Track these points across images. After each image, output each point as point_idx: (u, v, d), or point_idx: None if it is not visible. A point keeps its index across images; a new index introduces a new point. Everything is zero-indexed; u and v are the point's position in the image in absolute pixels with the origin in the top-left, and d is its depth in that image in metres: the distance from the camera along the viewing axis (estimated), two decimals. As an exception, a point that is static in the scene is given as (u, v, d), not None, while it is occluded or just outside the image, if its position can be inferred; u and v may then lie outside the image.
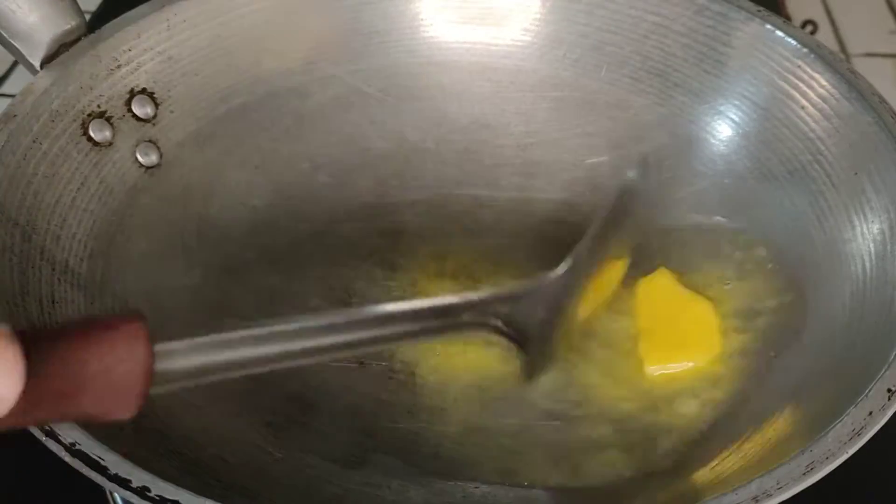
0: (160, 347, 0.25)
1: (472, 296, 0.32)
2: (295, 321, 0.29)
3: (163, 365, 0.25)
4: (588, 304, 0.38)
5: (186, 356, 0.26)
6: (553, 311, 0.34)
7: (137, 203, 0.43)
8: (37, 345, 0.22)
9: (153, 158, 0.44)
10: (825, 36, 0.43)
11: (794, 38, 0.44)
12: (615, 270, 0.41)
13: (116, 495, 0.41)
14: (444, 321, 0.32)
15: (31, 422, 0.24)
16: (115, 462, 0.28)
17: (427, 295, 0.44)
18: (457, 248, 0.47)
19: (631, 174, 0.37)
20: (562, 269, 0.34)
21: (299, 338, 0.29)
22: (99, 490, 0.41)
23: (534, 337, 0.34)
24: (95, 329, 0.24)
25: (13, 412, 0.22)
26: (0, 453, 0.43)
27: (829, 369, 0.35)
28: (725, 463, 0.33)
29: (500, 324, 0.33)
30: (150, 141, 0.44)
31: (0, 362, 0.21)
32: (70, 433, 0.28)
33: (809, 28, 0.62)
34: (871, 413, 0.30)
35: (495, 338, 0.33)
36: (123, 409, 0.25)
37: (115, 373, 0.24)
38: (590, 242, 0.36)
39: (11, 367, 0.21)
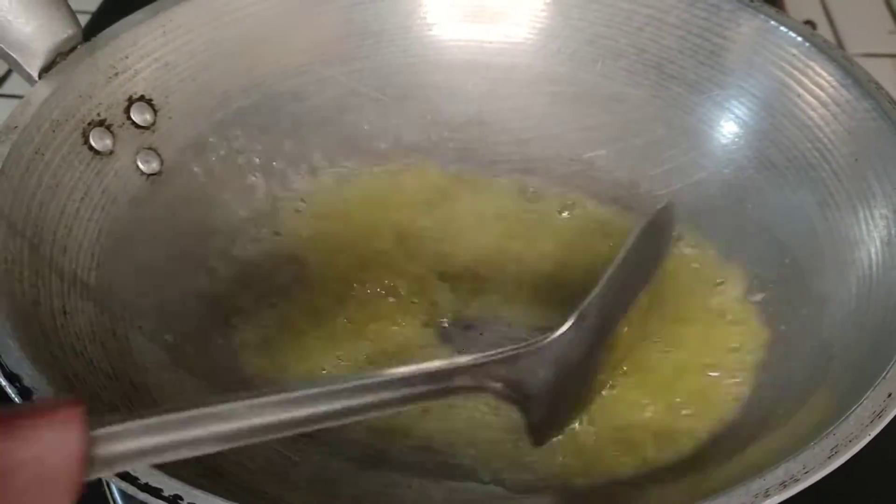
0: (101, 432, 0.23)
1: (465, 360, 0.31)
2: (264, 394, 0.27)
3: (105, 450, 0.24)
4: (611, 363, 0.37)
5: (135, 437, 0.24)
6: (558, 370, 0.33)
7: (141, 211, 0.43)
8: None
9: (154, 166, 0.44)
10: (824, 36, 0.44)
11: (789, 28, 0.44)
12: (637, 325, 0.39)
13: (116, 494, 0.41)
14: (438, 386, 0.30)
15: None
16: (144, 471, 0.28)
17: (432, 294, 0.44)
18: (458, 248, 0.47)
19: (642, 224, 0.37)
20: (565, 327, 0.33)
21: (271, 411, 0.27)
22: (99, 490, 0.41)
23: (537, 399, 0.33)
24: (25, 416, 0.22)
25: None
26: None
27: (841, 354, 0.36)
28: (750, 454, 0.34)
29: (498, 386, 0.32)
30: (150, 148, 0.44)
31: None
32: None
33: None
34: (890, 395, 0.30)
35: (496, 400, 0.32)
36: (57, 501, 0.23)
37: (46, 464, 0.22)
38: (602, 294, 0.34)
39: None
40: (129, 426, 0.24)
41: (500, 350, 0.32)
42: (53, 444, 0.22)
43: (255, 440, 0.27)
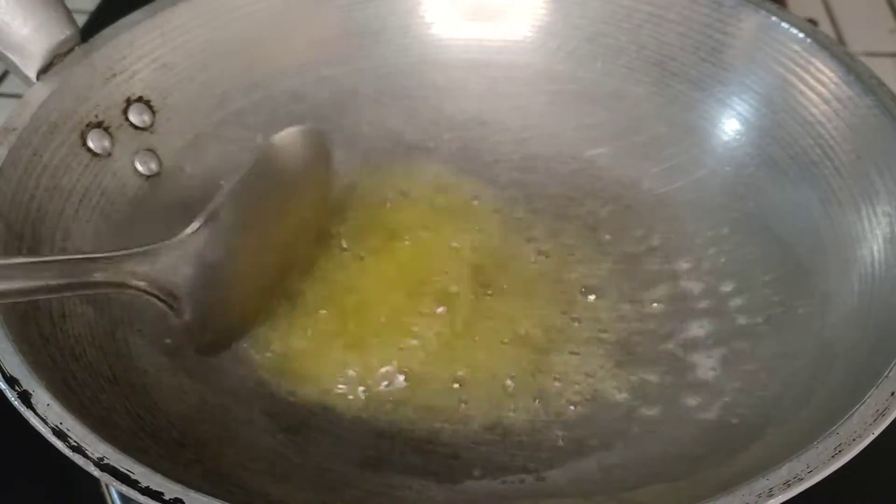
0: None
1: (102, 254, 0.32)
2: None
3: None
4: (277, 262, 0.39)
5: None
6: (202, 267, 0.34)
7: (139, 212, 0.42)
8: None
9: (152, 167, 0.44)
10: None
11: (791, 24, 0.44)
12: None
13: (114, 493, 0.41)
14: (73, 279, 0.31)
15: None
16: (145, 475, 0.28)
17: (432, 293, 0.44)
18: (459, 246, 0.47)
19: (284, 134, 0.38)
20: (196, 223, 0.34)
21: None
22: (98, 492, 0.41)
23: (184, 297, 0.33)
24: None
25: None
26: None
27: (844, 353, 0.36)
28: (753, 453, 0.33)
29: (142, 284, 0.33)
30: (148, 149, 0.44)
31: None
32: (98, 447, 0.28)
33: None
34: (893, 393, 0.30)
35: (145, 298, 0.33)
36: None
37: None
38: (227, 194, 0.36)
39: None
40: None
41: (135, 248, 0.33)
42: None
43: None
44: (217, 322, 0.36)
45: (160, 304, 0.34)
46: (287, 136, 0.40)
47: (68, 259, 0.31)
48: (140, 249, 0.33)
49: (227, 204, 0.36)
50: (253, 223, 0.37)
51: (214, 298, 0.35)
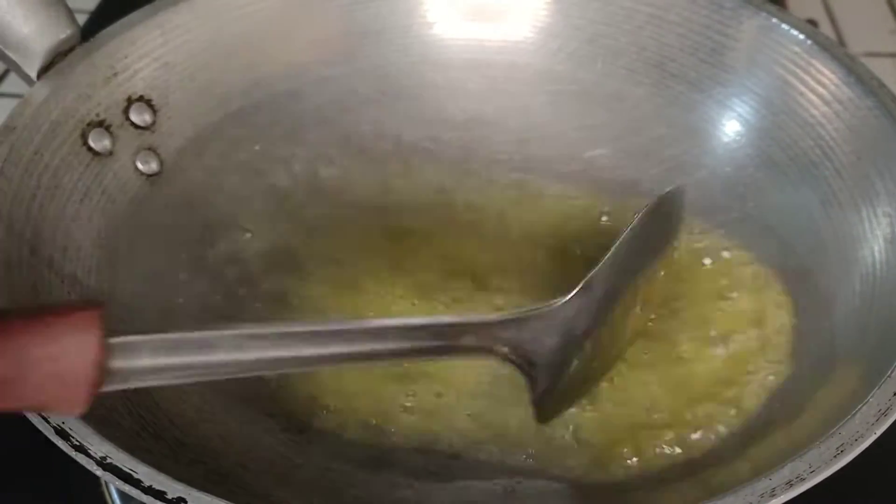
0: (118, 341, 0.24)
1: (474, 317, 0.31)
2: (277, 326, 0.27)
3: (121, 361, 0.24)
4: (623, 337, 0.37)
5: (150, 353, 0.24)
6: (564, 339, 0.33)
7: (140, 212, 0.42)
8: None
9: (153, 166, 0.44)
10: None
11: (791, 25, 0.44)
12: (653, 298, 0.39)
13: (114, 493, 0.41)
14: (442, 342, 0.30)
15: None
16: (148, 474, 0.27)
17: (434, 294, 0.44)
18: (460, 246, 0.47)
19: (661, 195, 0.37)
20: (572, 294, 0.33)
21: (279, 345, 0.27)
22: (97, 491, 0.41)
23: (542, 367, 0.32)
24: (44, 316, 0.23)
25: None
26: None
27: (845, 353, 0.36)
28: (755, 453, 0.33)
29: (505, 350, 0.32)
30: (149, 149, 0.44)
31: None
32: (101, 447, 0.28)
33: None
34: (895, 393, 0.30)
35: (502, 364, 0.32)
36: (71, 404, 0.23)
37: (62, 363, 0.23)
38: (609, 265, 0.34)
39: None
40: (145, 339, 0.24)
41: (507, 313, 0.32)
42: (70, 345, 0.22)
43: (262, 372, 0.28)
44: (563, 391, 0.35)
45: (517, 370, 0.33)
46: (672, 192, 0.39)
47: (440, 323, 0.30)
48: (511, 316, 0.32)
49: (602, 273, 0.34)
50: (619, 292, 0.36)
51: (567, 368, 0.34)
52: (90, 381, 0.23)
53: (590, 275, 0.34)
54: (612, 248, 0.35)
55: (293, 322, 0.28)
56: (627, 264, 0.35)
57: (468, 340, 0.31)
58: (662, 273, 0.40)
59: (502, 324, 0.31)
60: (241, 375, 0.26)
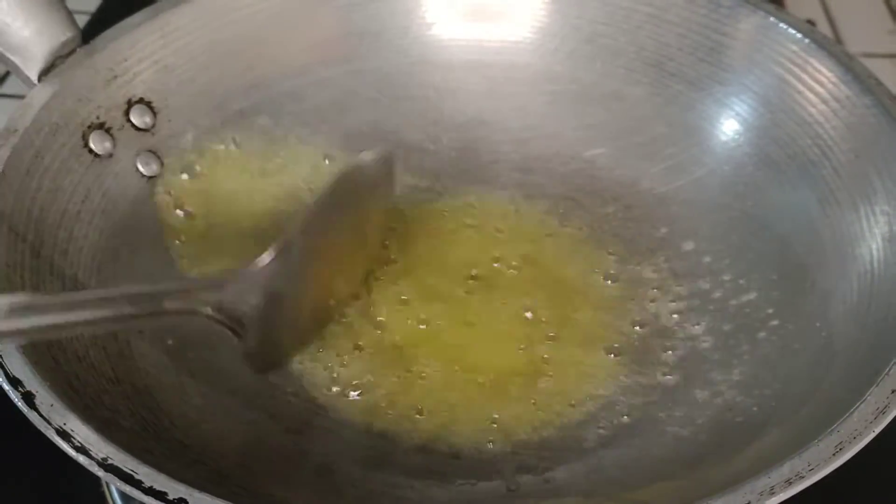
0: None
1: (172, 284, 0.34)
2: None
3: None
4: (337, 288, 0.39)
5: None
6: (269, 299, 0.35)
7: (141, 213, 0.43)
8: None
9: (154, 168, 0.44)
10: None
11: (789, 24, 0.44)
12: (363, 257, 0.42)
13: (115, 493, 0.41)
14: (148, 308, 0.32)
15: None
16: (149, 475, 0.28)
17: (434, 294, 0.44)
18: (460, 247, 0.47)
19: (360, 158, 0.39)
20: (269, 253, 0.35)
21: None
22: (98, 491, 0.41)
23: (250, 325, 0.34)
24: None
25: None
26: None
27: (843, 351, 0.36)
28: (754, 452, 0.33)
29: (209, 311, 0.34)
30: (150, 151, 0.44)
31: None
32: (102, 448, 0.28)
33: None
34: (893, 391, 0.30)
35: (213, 325, 0.34)
36: None
37: None
38: (300, 224, 0.36)
39: None
40: None
41: (209, 277, 0.35)
42: None
43: None
44: (277, 345, 0.37)
45: (226, 331, 0.35)
46: (361, 161, 0.40)
47: (140, 290, 0.32)
48: (211, 279, 0.34)
49: (300, 235, 0.36)
50: (321, 251, 0.38)
51: (278, 324, 0.36)
52: None
53: (284, 237, 0.36)
54: (306, 212, 0.37)
55: None
56: (329, 226, 0.38)
57: (172, 304, 0.32)
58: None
59: (203, 288, 0.34)
60: None
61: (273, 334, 0.37)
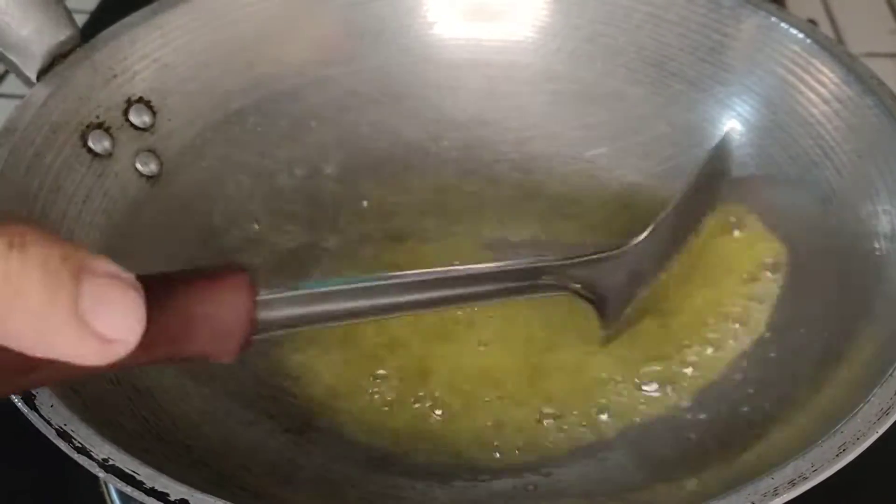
0: (262, 297, 0.27)
1: (553, 260, 0.35)
2: (384, 278, 0.31)
3: (264, 314, 0.27)
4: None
5: (286, 306, 0.28)
6: (634, 277, 0.37)
7: (141, 213, 0.42)
8: (153, 292, 0.23)
9: (153, 167, 0.44)
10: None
11: (791, 24, 0.44)
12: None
13: (114, 494, 0.41)
14: (524, 283, 0.34)
15: (144, 362, 0.25)
16: (150, 476, 0.28)
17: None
18: (460, 247, 0.47)
19: (712, 150, 0.40)
20: (643, 236, 0.37)
21: (388, 293, 0.31)
22: (97, 491, 0.41)
23: (612, 301, 0.36)
24: (203, 278, 0.26)
25: (131, 354, 0.23)
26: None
27: (846, 352, 0.36)
28: (757, 452, 0.33)
29: (578, 287, 0.36)
30: (149, 150, 0.44)
31: (127, 308, 0.22)
32: (103, 449, 0.28)
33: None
34: (896, 392, 0.30)
35: (577, 300, 0.36)
36: (226, 353, 0.26)
37: (220, 319, 0.26)
38: (672, 213, 0.38)
39: (136, 312, 0.23)
40: (281, 296, 0.28)
41: (583, 254, 0.36)
42: (227, 303, 0.26)
43: (373, 317, 0.31)
44: (625, 320, 0.39)
45: (590, 306, 0.37)
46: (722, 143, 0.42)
47: (524, 266, 0.34)
48: (587, 258, 0.36)
49: (672, 217, 0.38)
50: (678, 235, 0.40)
51: (631, 300, 0.38)
52: (243, 333, 0.26)
53: (657, 220, 0.38)
54: (678, 196, 0.39)
55: (394, 273, 0.31)
56: (689, 211, 0.40)
57: (548, 279, 0.35)
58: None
59: (579, 265, 0.36)
60: (355, 322, 0.30)
61: (626, 311, 0.38)
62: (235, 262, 0.27)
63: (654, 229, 0.37)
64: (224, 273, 0.26)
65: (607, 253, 0.36)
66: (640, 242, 0.37)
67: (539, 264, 0.35)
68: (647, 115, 0.49)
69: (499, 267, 0.33)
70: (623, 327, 0.39)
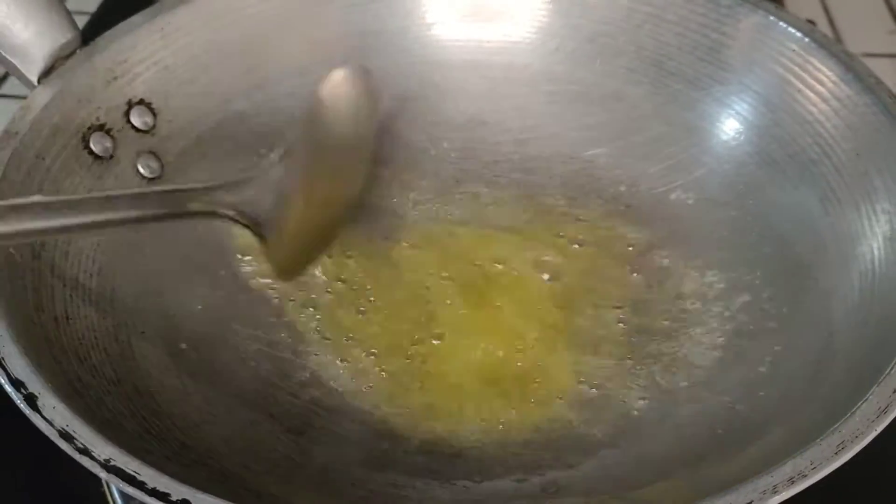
0: None
1: (197, 184, 0.36)
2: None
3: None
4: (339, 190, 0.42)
5: None
6: (281, 197, 0.37)
7: (141, 214, 0.42)
8: None
9: (154, 169, 0.44)
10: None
11: (789, 24, 0.44)
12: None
13: (116, 494, 0.41)
14: (171, 209, 0.35)
15: None
16: (152, 476, 0.28)
17: (434, 293, 0.44)
18: (460, 247, 0.47)
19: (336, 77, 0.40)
20: (276, 155, 0.37)
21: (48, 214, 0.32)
22: (99, 490, 0.41)
23: (268, 222, 0.37)
24: None
25: None
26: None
27: (845, 350, 0.36)
28: (756, 450, 0.34)
29: (231, 213, 0.37)
30: (150, 152, 0.44)
31: None
32: (105, 449, 0.28)
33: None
34: (895, 390, 0.30)
35: (234, 226, 0.37)
36: None
37: None
38: (299, 136, 0.39)
39: None
40: None
41: (226, 179, 0.37)
42: None
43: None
44: (291, 248, 0.40)
45: (246, 230, 0.38)
46: (340, 77, 0.41)
47: (166, 190, 0.36)
48: (229, 181, 0.37)
49: (299, 142, 0.39)
50: (319, 160, 0.40)
51: (290, 226, 0.38)
52: None
53: (285, 143, 0.39)
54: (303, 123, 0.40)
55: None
56: (324, 137, 0.40)
57: (195, 206, 0.36)
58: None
59: (221, 188, 0.37)
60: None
61: (287, 236, 0.39)
62: None
63: (285, 152, 0.38)
64: None
65: (251, 174, 0.38)
66: (274, 162, 0.38)
67: (185, 189, 0.36)
68: (647, 114, 0.49)
69: (143, 191, 0.35)
70: (300, 259, 0.41)
